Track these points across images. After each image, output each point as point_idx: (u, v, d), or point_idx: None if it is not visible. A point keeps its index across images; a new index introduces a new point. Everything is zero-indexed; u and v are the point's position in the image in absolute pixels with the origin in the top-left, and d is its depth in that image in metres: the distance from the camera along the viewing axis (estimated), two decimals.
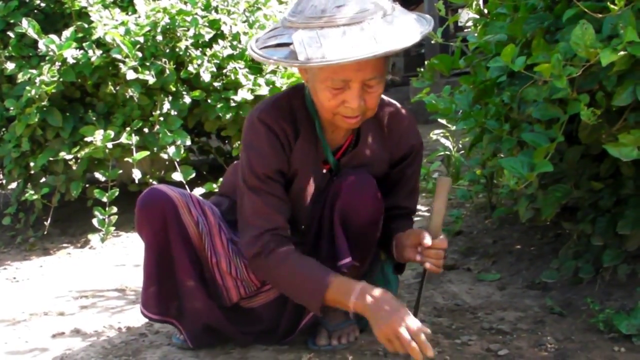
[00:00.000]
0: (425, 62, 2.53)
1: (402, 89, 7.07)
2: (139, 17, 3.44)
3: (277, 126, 1.65)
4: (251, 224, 1.64)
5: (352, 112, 1.55)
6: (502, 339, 1.83)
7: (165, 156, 3.41)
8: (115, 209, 3.21)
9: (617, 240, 2.01)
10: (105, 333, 2.08)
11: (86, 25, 3.41)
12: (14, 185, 4.09)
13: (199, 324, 1.81)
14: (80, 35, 3.38)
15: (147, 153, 3.29)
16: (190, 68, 3.42)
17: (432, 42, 2.27)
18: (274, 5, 3.89)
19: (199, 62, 3.43)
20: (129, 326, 2.13)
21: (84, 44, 3.31)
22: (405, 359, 1.57)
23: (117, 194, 3.23)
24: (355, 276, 1.71)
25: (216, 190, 2.10)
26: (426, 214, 3.10)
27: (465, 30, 5.77)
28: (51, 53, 3.26)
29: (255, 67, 3.56)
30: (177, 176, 3.33)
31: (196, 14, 3.44)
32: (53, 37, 3.29)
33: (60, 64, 3.27)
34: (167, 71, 3.36)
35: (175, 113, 3.45)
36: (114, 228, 3.26)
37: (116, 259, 3.13)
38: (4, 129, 3.69)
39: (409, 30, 1.48)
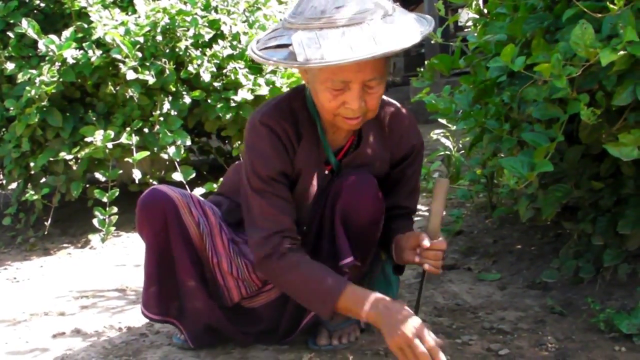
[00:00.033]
0: (425, 62, 2.53)
1: (402, 89, 7.07)
2: (139, 17, 3.44)
3: (280, 128, 1.64)
4: (259, 226, 1.64)
5: (352, 113, 1.55)
6: (503, 338, 1.83)
7: (165, 156, 3.41)
8: (115, 209, 3.21)
9: (618, 239, 2.01)
10: (105, 333, 2.08)
11: (86, 26, 3.42)
12: (14, 185, 4.09)
13: (200, 324, 1.82)
14: (80, 35, 3.38)
15: (147, 153, 3.29)
16: (190, 68, 3.42)
17: (432, 42, 2.27)
18: (274, 5, 3.89)
19: (199, 62, 3.43)
20: (130, 326, 2.13)
21: (83, 44, 3.32)
22: None
23: (117, 194, 3.23)
24: (356, 276, 1.71)
25: (216, 190, 2.11)
26: (426, 213, 3.10)
27: (465, 30, 5.77)
28: (51, 53, 3.26)
29: (255, 67, 3.56)
30: (177, 176, 3.33)
31: (196, 14, 3.44)
32: (53, 37, 3.29)
33: (60, 64, 3.28)
34: (167, 71, 3.36)
35: (175, 113, 3.45)
36: (114, 228, 3.26)
37: (116, 259, 3.13)
38: (4, 129, 3.69)
39: (408, 31, 1.47)
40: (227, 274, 1.80)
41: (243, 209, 1.69)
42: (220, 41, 3.51)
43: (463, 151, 3.25)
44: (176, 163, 3.39)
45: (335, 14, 1.43)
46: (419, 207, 1.90)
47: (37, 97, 3.22)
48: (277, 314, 1.84)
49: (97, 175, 3.39)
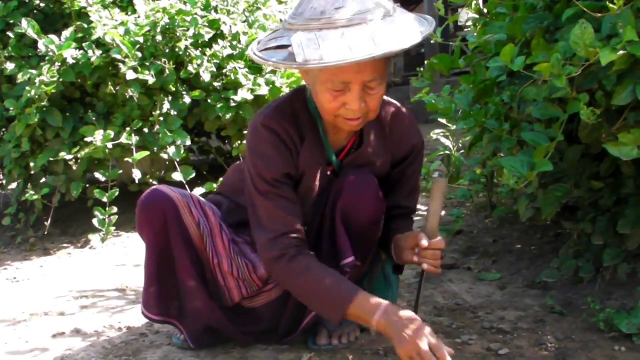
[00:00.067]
0: (425, 62, 2.53)
1: (402, 88, 7.07)
2: (139, 17, 3.44)
3: (282, 130, 1.64)
4: (266, 228, 1.63)
5: (353, 115, 1.54)
6: (503, 338, 1.83)
7: (165, 156, 3.41)
8: (115, 209, 3.21)
9: (618, 239, 2.01)
10: (105, 333, 2.08)
11: (86, 26, 3.42)
12: (14, 185, 4.09)
13: (200, 324, 1.82)
14: (80, 35, 3.38)
15: (147, 153, 3.29)
16: (190, 68, 3.42)
17: (432, 42, 2.27)
18: (274, 5, 3.89)
19: (199, 62, 3.43)
20: (130, 326, 2.13)
21: (83, 44, 3.32)
22: None
23: (117, 194, 3.23)
24: (356, 276, 1.71)
25: (215, 190, 2.11)
26: (426, 213, 3.10)
27: (465, 30, 5.78)
28: (51, 53, 3.26)
29: (255, 67, 3.56)
30: (177, 176, 3.33)
31: (196, 14, 3.44)
32: (53, 37, 3.29)
33: (60, 64, 3.28)
34: (167, 71, 3.36)
35: (175, 113, 3.45)
36: (114, 228, 3.26)
37: (116, 259, 3.13)
38: (4, 130, 3.69)
39: (408, 31, 1.46)
40: (227, 275, 1.80)
41: (249, 211, 1.68)
42: (220, 41, 3.51)
43: (463, 151, 3.25)
44: (176, 163, 3.39)
45: (335, 15, 1.42)
46: (418, 206, 1.90)
47: (37, 97, 3.22)
48: (277, 313, 1.84)
49: (97, 175, 3.39)
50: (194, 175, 3.37)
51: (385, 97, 1.71)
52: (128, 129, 3.31)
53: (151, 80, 3.29)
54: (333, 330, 1.82)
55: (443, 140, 3.39)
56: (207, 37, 3.46)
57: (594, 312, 1.90)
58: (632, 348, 1.71)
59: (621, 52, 1.46)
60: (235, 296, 1.83)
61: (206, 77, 3.41)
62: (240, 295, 1.83)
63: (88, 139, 3.24)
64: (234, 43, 3.56)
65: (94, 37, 3.27)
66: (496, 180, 2.97)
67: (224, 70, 3.50)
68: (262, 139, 1.64)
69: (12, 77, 3.48)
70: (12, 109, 3.33)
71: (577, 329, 1.86)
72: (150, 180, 3.59)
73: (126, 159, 3.39)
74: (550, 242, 2.53)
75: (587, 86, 1.65)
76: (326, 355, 1.77)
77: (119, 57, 3.24)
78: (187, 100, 3.49)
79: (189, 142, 3.45)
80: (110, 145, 3.25)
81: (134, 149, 3.27)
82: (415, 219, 1.89)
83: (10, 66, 3.42)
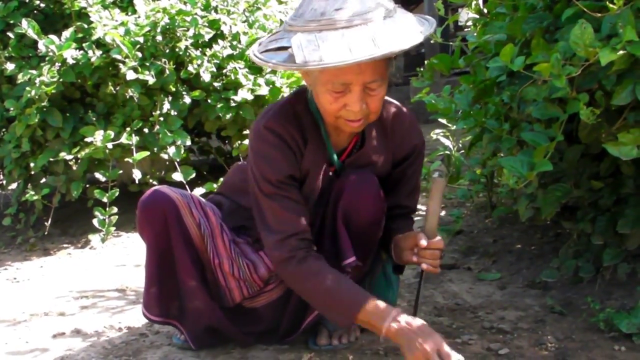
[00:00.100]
0: (425, 62, 2.53)
1: (402, 88, 7.08)
2: (139, 17, 3.44)
3: (286, 133, 1.64)
4: (273, 229, 1.63)
5: (354, 116, 1.54)
6: (503, 338, 1.83)
7: (165, 156, 3.41)
8: (115, 209, 3.21)
9: (617, 239, 2.01)
10: (105, 333, 2.08)
11: (86, 26, 3.42)
12: (14, 185, 4.10)
13: (201, 324, 1.81)
14: (80, 35, 3.38)
15: (147, 153, 3.29)
16: (190, 68, 3.43)
17: (432, 42, 2.27)
18: (274, 5, 3.89)
19: (199, 62, 3.43)
20: (130, 326, 2.13)
21: (83, 45, 3.32)
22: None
23: (117, 194, 3.23)
24: (357, 276, 1.71)
25: (216, 190, 2.11)
26: (425, 213, 3.10)
27: (465, 29, 5.78)
28: (51, 53, 3.27)
29: (255, 67, 3.56)
30: (177, 176, 3.33)
31: (196, 14, 3.44)
32: (53, 37, 3.29)
33: (60, 64, 3.28)
34: (167, 71, 3.36)
35: (175, 113, 3.45)
36: (114, 228, 3.26)
37: (116, 259, 3.13)
38: (4, 130, 3.69)
39: (409, 32, 1.46)
40: (228, 275, 1.80)
41: (254, 213, 1.68)
42: (220, 41, 3.51)
43: (463, 151, 3.25)
44: (176, 163, 3.39)
45: (334, 16, 1.42)
46: (418, 206, 1.90)
47: (37, 97, 3.22)
48: (278, 313, 1.84)
49: (97, 175, 3.39)
50: (194, 175, 3.37)
51: (386, 97, 1.71)
52: (128, 129, 3.31)
53: (151, 80, 3.29)
54: (333, 330, 1.82)
55: (443, 140, 3.39)
56: (207, 37, 3.46)
57: (594, 312, 1.90)
58: (632, 348, 1.71)
59: (621, 52, 1.46)
60: (236, 296, 1.83)
61: (206, 77, 3.41)
62: (241, 296, 1.83)
63: (88, 139, 3.24)
64: (234, 43, 3.56)
65: (94, 37, 3.27)
66: (496, 180, 2.97)
67: (224, 70, 3.50)
68: (266, 142, 1.63)
69: (12, 77, 3.49)
70: (12, 109, 3.34)
71: (577, 328, 1.86)
72: (150, 181, 3.59)
73: (126, 159, 3.39)
74: (550, 242, 2.53)
75: (587, 86, 1.65)
76: (326, 355, 1.77)
77: (119, 57, 3.24)
78: (187, 100, 3.49)
79: (189, 142, 3.45)
80: (110, 145, 3.25)
81: (134, 149, 3.27)
82: (415, 218, 1.89)
83: (10, 66, 3.42)
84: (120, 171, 3.51)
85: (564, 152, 2.01)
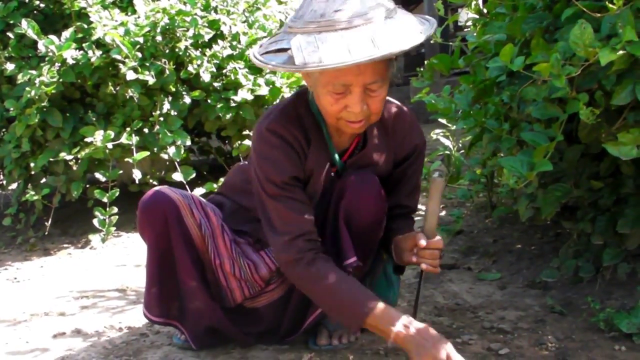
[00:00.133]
0: (425, 62, 2.53)
1: (402, 88, 7.07)
2: (139, 17, 3.44)
3: (289, 134, 1.63)
4: (279, 231, 1.62)
5: (355, 117, 1.54)
6: (503, 338, 1.83)
7: (165, 156, 3.41)
8: (115, 209, 3.21)
9: (617, 239, 2.01)
10: (106, 333, 2.08)
11: (86, 26, 3.42)
12: (14, 185, 4.10)
13: (201, 325, 1.81)
14: (79, 35, 3.38)
15: (147, 153, 3.29)
16: (190, 68, 3.43)
17: (432, 42, 2.27)
18: (274, 5, 3.89)
19: (199, 62, 3.44)
20: (130, 326, 2.13)
21: (83, 45, 3.32)
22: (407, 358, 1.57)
23: (117, 194, 3.24)
24: (357, 275, 1.71)
25: (216, 190, 2.11)
26: (424, 213, 3.10)
27: (465, 29, 5.78)
28: (51, 54, 3.27)
29: (255, 67, 3.56)
30: (177, 176, 3.33)
31: (195, 14, 3.44)
32: (53, 37, 3.29)
33: (60, 64, 3.28)
34: (167, 71, 3.36)
35: (175, 113, 3.46)
36: (114, 228, 3.26)
37: (117, 259, 3.13)
38: (4, 130, 3.70)
39: (408, 32, 1.46)
40: (229, 275, 1.80)
41: (260, 215, 1.68)
42: (220, 41, 3.51)
43: (463, 151, 3.25)
44: (176, 163, 3.39)
45: (334, 17, 1.41)
46: (418, 206, 1.90)
47: (37, 97, 3.22)
48: (279, 313, 1.84)
49: (97, 175, 3.39)
50: (194, 175, 3.37)
51: (387, 97, 1.70)
52: (128, 129, 3.31)
53: (151, 80, 3.29)
54: (333, 330, 1.82)
55: (443, 140, 3.39)
56: (207, 38, 3.46)
57: (594, 312, 1.90)
58: (632, 347, 1.71)
59: (620, 52, 1.46)
60: (237, 297, 1.83)
61: (206, 77, 3.41)
62: (243, 296, 1.83)
63: (88, 139, 3.24)
64: (234, 43, 3.57)
65: (94, 38, 3.28)
66: (496, 180, 2.97)
67: (224, 70, 3.51)
68: (269, 144, 1.63)
69: (12, 77, 3.49)
70: (12, 109, 3.34)
71: (577, 328, 1.86)
72: (150, 181, 3.59)
73: (126, 159, 3.39)
74: (550, 242, 2.53)
75: (587, 86, 1.65)
76: (326, 355, 1.77)
77: (119, 57, 3.24)
78: (187, 100, 3.50)
79: (189, 142, 3.45)
80: (110, 145, 3.25)
81: (134, 149, 3.27)
82: (415, 218, 1.89)
83: (10, 66, 3.43)
84: (120, 171, 3.52)
85: (564, 152, 2.01)
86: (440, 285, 2.34)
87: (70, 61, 3.25)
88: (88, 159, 3.37)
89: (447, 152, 3.31)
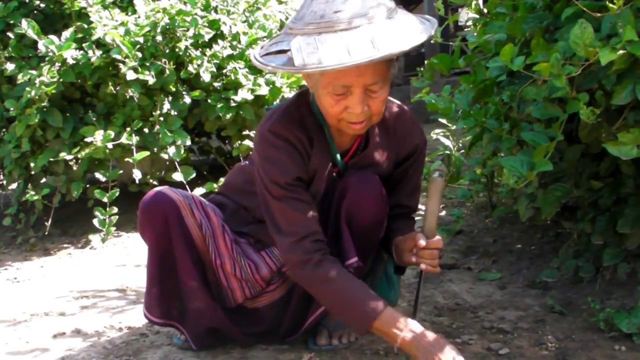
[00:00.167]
0: (425, 62, 2.53)
1: (402, 88, 7.07)
2: (139, 17, 3.44)
3: (291, 135, 1.63)
4: (286, 231, 1.62)
5: (356, 118, 1.54)
6: (503, 338, 1.83)
7: (165, 156, 3.41)
8: (115, 209, 3.21)
9: (617, 239, 2.01)
10: (106, 333, 2.08)
11: (86, 26, 3.42)
12: (14, 185, 4.10)
13: (202, 325, 1.81)
14: (80, 35, 3.38)
15: (147, 153, 3.29)
16: (190, 68, 3.43)
17: (432, 41, 2.27)
18: (274, 5, 3.89)
19: (199, 62, 3.43)
20: (130, 326, 2.13)
21: (83, 45, 3.32)
22: (407, 358, 1.57)
23: (117, 194, 3.24)
24: (358, 275, 1.71)
25: (217, 190, 2.11)
26: (424, 213, 3.10)
27: (465, 29, 5.78)
28: (51, 54, 3.27)
29: (255, 67, 3.55)
30: (177, 176, 3.33)
31: (196, 14, 3.44)
32: (53, 37, 3.29)
33: (60, 64, 3.28)
34: (167, 71, 3.36)
35: (175, 113, 3.45)
36: (114, 228, 3.26)
37: (117, 259, 3.13)
38: (4, 130, 3.69)
39: (408, 33, 1.45)
40: (230, 276, 1.80)
41: (265, 217, 1.67)
42: (220, 41, 3.51)
43: (463, 151, 3.25)
44: (176, 163, 3.39)
45: (334, 18, 1.41)
46: (418, 206, 1.90)
47: (37, 97, 3.22)
48: (279, 314, 1.84)
49: (98, 175, 3.39)
50: (194, 175, 3.37)
51: (388, 97, 1.70)
52: (128, 129, 3.31)
53: (151, 80, 3.29)
54: (333, 330, 1.82)
55: (443, 140, 3.39)
56: (207, 37, 3.46)
57: (594, 312, 1.90)
58: (632, 347, 1.71)
59: (621, 52, 1.46)
60: (238, 297, 1.83)
61: (206, 77, 3.41)
62: (244, 296, 1.83)
63: (88, 139, 3.24)
64: (234, 43, 3.56)
65: (94, 37, 3.27)
66: (496, 180, 2.97)
67: (224, 70, 3.51)
68: (272, 145, 1.62)
69: (12, 77, 3.49)
70: (12, 109, 3.34)
71: (577, 328, 1.86)
72: (151, 181, 3.59)
73: (126, 159, 3.39)
74: (550, 242, 2.53)
75: (587, 86, 1.65)
76: (326, 355, 1.77)
77: (119, 57, 3.24)
78: (187, 100, 3.49)
79: (189, 142, 3.45)
80: (110, 145, 3.25)
81: (134, 149, 3.27)
82: (416, 218, 1.89)
83: (10, 66, 3.42)
84: (121, 171, 3.52)
85: (564, 152, 2.01)
86: (440, 285, 2.34)
87: (70, 61, 3.25)
88: (88, 159, 3.36)
89: (447, 152, 3.31)
